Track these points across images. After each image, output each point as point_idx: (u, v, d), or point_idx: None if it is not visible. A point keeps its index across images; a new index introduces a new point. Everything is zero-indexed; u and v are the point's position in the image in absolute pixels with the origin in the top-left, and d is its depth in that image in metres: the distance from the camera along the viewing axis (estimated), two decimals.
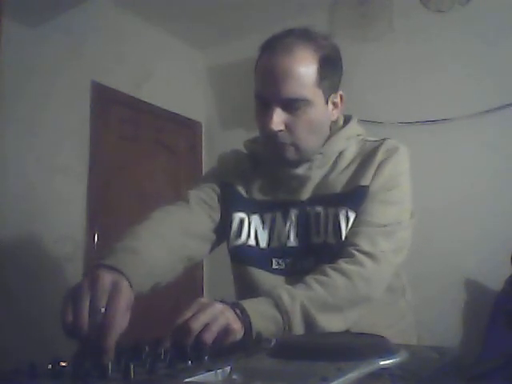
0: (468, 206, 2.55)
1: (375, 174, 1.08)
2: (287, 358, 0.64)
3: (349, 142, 1.14)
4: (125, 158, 3.02)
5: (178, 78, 3.39)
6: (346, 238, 1.05)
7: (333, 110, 1.11)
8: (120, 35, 3.03)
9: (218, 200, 1.17)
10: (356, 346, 0.67)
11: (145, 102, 3.14)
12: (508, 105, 2.56)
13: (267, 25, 3.22)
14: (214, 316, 0.78)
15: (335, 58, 1.09)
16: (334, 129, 1.15)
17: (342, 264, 0.99)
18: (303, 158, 1.09)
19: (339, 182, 1.10)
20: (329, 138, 1.12)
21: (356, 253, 1.01)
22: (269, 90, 1.03)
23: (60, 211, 2.59)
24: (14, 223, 2.37)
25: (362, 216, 1.05)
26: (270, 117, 1.02)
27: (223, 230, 1.16)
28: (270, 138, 1.06)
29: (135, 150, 3.11)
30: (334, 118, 1.12)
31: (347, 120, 1.18)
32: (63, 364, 0.61)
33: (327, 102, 1.08)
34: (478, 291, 2.50)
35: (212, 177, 1.23)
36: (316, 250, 1.07)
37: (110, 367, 0.60)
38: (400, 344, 0.71)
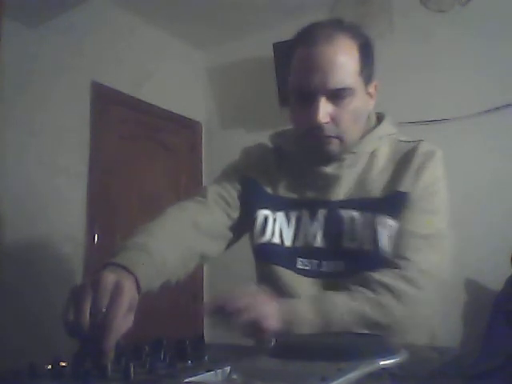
0: (468, 205, 2.54)
1: (415, 181, 1.03)
2: (287, 358, 0.64)
3: (381, 142, 1.10)
4: (125, 158, 3.02)
5: (177, 78, 3.39)
6: (390, 248, 1.00)
7: (369, 100, 1.09)
8: (120, 35, 3.03)
9: (238, 197, 1.14)
10: (356, 346, 0.67)
11: (145, 101, 3.14)
12: (508, 105, 2.56)
13: (267, 25, 3.25)
14: (257, 305, 0.82)
15: (371, 47, 1.08)
16: (367, 127, 1.11)
17: (391, 279, 0.94)
18: (345, 151, 1.05)
19: (375, 185, 1.06)
20: (362, 136, 1.09)
21: (405, 266, 0.96)
22: (313, 81, 0.99)
23: (60, 211, 2.59)
24: (15, 223, 2.37)
25: (405, 225, 1.01)
26: (316, 109, 0.99)
27: (241, 228, 1.14)
28: (313, 132, 1.02)
29: (135, 149, 3.11)
30: (370, 108, 1.10)
31: (380, 118, 1.15)
32: (63, 364, 0.61)
33: (366, 92, 1.07)
34: (478, 291, 2.50)
35: (234, 172, 1.19)
36: (348, 255, 1.03)
37: (109, 367, 0.60)
38: (400, 344, 0.71)
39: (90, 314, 0.70)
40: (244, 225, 1.14)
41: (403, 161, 1.07)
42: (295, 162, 1.13)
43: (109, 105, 2.96)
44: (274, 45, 2.98)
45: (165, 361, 0.66)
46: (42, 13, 2.41)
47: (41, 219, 2.48)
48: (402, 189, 1.03)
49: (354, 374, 0.56)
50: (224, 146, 3.42)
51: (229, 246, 1.15)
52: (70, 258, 2.58)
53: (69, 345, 0.72)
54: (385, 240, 1.00)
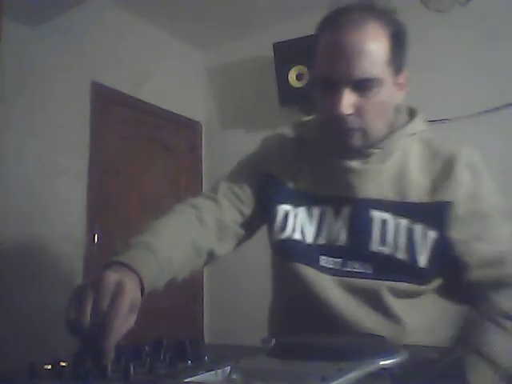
0: None
1: (469, 196, 0.98)
2: (287, 358, 0.64)
3: (412, 139, 1.05)
4: (125, 158, 3.02)
5: (178, 78, 3.39)
6: (427, 260, 0.95)
7: (398, 91, 1.01)
8: (120, 35, 3.03)
9: (253, 193, 1.10)
10: (356, 346, 0.67)
11: (145, 102, 3.14)
12: (508, 105, 2.56)
13: (267, 25, 3.24)
14: None
15: (403, 35, 1.00)
16: (398, 122, 1.05)
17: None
18: (368, 145, 0.99)
19: (413, 190, 1.00)
20: (392, 132, 1.02)
21: None
22: (337, 69, 0.93)
23: (60, 211, 2.59)
24: (14, 223, 2.37)
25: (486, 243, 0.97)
26: (339, 99, 0.92)
27: (254, 225, 1.11)
28: (335, 123, 0.95)
29: (135, 149, 3.11)
30: (399, 100, 1.03)
31: (413, 114, 1.09)
32: (63, 364, 0.61)
33: (395, 83, 0.99)
34: None
35: (250, 166, 1.14)
36: (377, 259, 0.97)
37: (109, 367, 0.60)
38: (400, 344, 0.71)
39: (91, 313, 0.70)
40: (258, 222, 1.11)
41: (445, 168, 1.00)
42: (318, 153, 1.07)
43: (109, 105, 2.96)
44: (273, 45, 2.98)
45: (165, 361, 0.66)
46: (41, 13, 2.41)
47: (41, 219, 2.48)
48: (446, 198, 0.97)
49: (354, 374, 0.56)
50: (224, 146, 3.43)
51: (240, 243, 1.11)
52: (69, 257, 2.58)
53: (69, 345, 0.72)
54: (423, 252, 0.96)
